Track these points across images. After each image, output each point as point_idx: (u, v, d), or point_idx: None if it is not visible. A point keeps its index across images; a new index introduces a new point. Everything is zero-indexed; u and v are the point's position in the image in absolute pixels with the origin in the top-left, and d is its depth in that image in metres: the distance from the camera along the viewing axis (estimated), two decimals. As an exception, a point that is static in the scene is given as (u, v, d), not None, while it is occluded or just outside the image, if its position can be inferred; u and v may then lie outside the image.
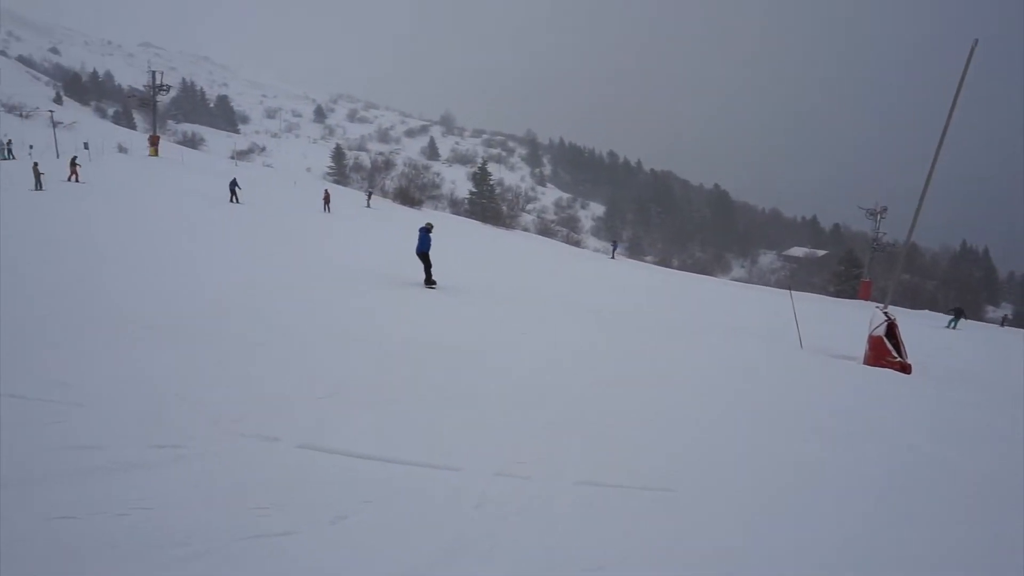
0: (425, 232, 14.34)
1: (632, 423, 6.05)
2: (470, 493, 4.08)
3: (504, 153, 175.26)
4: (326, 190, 39.22)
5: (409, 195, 62.44)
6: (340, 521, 3.52)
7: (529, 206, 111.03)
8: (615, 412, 6.35)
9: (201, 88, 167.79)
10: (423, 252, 14.15)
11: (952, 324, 31.00)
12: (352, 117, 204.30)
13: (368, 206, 44.19)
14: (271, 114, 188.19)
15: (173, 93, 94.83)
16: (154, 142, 51.30)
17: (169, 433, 4.36)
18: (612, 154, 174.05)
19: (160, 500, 3.47)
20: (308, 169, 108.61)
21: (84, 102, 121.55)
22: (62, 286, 8.54)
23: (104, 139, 56.61)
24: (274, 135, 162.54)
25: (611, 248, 52.80)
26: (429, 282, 14.05)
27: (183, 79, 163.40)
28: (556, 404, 6.33)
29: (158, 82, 53.41)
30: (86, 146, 43.17)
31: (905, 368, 11.85)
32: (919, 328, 23.23)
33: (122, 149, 57.95)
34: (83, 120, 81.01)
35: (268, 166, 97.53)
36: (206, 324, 7.56)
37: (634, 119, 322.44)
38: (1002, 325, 43.42)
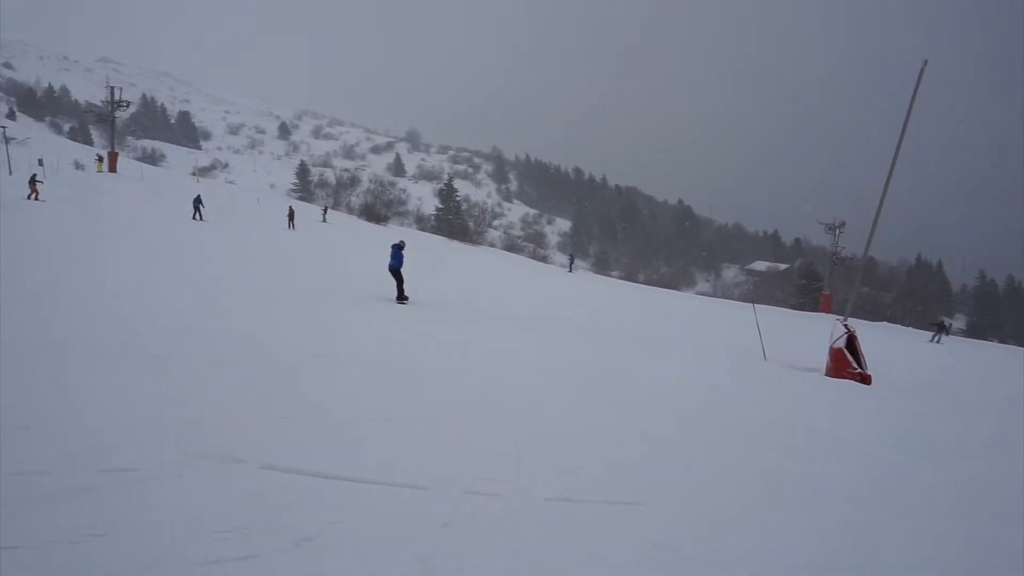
0: (398, 249, 14.50)
1: (599, 438, 6.05)
2: (438, 512, 4.01)
3: (470, 169, 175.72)
4: (290, 207, 38.80)
5: (375, 211, 62.05)
6: (305, 543, 3.42)
7: (496, 222, 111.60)
8: (582, 427, 6.34)
9: (162, 104, 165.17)
10: (395, 268, 14.29)
11: (936, 339, 31.72)
12: (317, 133, 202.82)
13: (324, 220, 44.36)
14: (234, 130, 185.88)
15: (132, 109, 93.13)
16: (112, 159, 50.19)
17: (124, 456, 4.20)
18: (578, 170, 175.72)
19: (113, 527, 3.33)
20: (272, 186, 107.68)
21: (39, 118, 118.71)
22: (13, 307, 8.25)
23: (60, 155, 55.16)
24: (237, 151, 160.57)
25: (568, 262, 53.44)
26: (401, 298, 14.15)
27: (143, 94, 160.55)
28: (523, 421, 6.29)
29: (116, 97, 52.39)
30: (40, 163, 41.97)
31: (865, 379, 12.11)
32: (902, 343, 23.82)
33: (78, 166, 56.56)
34: (37, 136, 78.86)
35: (231, 183, 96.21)
36: (165, 344, 7.37)
37: (600, 136, 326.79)
38: (947, 334, 44.51)
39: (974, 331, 73.60)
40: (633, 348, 12.94)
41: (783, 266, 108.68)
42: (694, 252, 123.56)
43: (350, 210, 75.51)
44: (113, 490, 3.74)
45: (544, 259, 70.96)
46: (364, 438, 5.20)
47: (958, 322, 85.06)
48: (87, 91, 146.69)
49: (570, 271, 49.17)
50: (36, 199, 26.14)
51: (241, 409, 5.47)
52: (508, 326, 13.33)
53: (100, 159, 49.88)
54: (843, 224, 50.95)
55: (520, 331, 12.80)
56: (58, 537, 3.16)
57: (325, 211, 49.02)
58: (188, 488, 3.90)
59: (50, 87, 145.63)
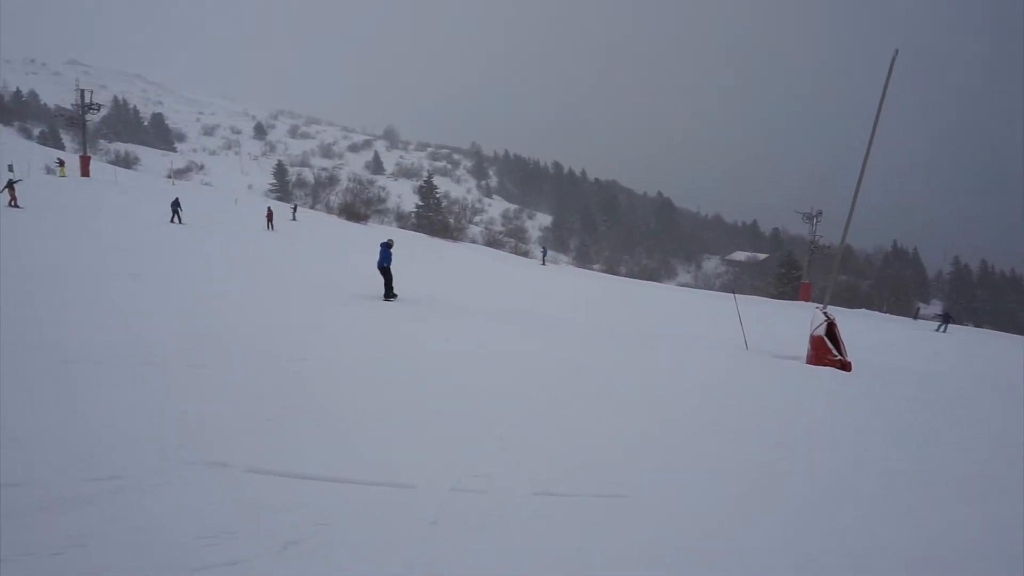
0: (386, 247, 14.92)
1: (583, 432, 6.08)
2: (425, 510, 4.02)
3: (450, 166, 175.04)
4: (269, 207, 38.52)
5: (354, 210, 61.74)
6: (292, 546, 3.41)
7: (476, 218, 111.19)
8: (565, 422, 6.37)
9: (134, 106, 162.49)
10: (384, 266, 14.70)
11: (942, 328, 32.21)
12: (294, 133, 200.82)
13: (293, 219, 44.04)
14: (209, 131, 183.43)
15: (104, 112, 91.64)
16: (84, 163, 49.34)
17: (106, 464, 4.16)
18: (557, 165, 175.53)
19: (97, 536, 3.30)
20: (249, 186, 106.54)
21: (7, 122, 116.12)
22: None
23: (30, 160, 54.19)
24: (212, 153, 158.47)
25: (541, 254, 53.82)
26: (389, 295, 14.58)
27: (115, 97, 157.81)
28: (508, 416, 6.31)
29: (87, 100, 51.54)
30: (11, 168, 41.16)
31: (845, 366, 12.28)
32: (880, 330, 24.13)
33: (49, 171, 55.56)
34: (6, 140, 77.40)
35: (207, 184, 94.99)
36: (146, 349, 7.28)
37: (578, 131, 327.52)
38: (914, 318, 45.23)
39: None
40: (616, 341, 13.00)
41: (762, 256, 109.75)
42: (675, 244, 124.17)
43: (329, 209, 75.03)
44: (96, 499, 3.70)
45: (526, 254, 70.93)
46: (349, 438, 5.19)
47: (934, 307, 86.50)
48: (56, 95, 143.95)
49: (543, 263, 49.58)
50: (15, 205, 25.06)
51: (224, 412, 5.43)
52: (491, 322, 13.33)
53: (61, 163, 47.80)
54: (820, 213, 51.50)
55: (503, 327, 12.80)
56: (39, 548, 3.13)
57: (295, 209, 49.38)
58: (172, 494, 3.87)
59: (18, 91, 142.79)
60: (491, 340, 10.94)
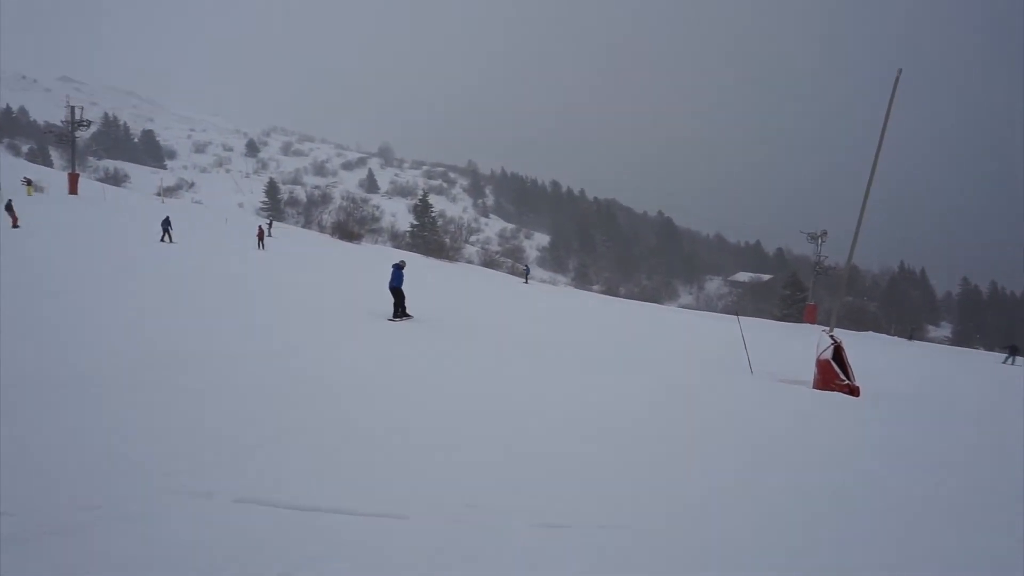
0: (398, 269, 15.62)
1: (582, 459, 6.04)
2: (420, 543, 3.97)
3: (445, 184, 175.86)
4: (260, 226, 38.56)
5: (348, 229, 61.82)
6: (282, 581, 3.37)
7: (472, 237, 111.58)
8: (564, 448, 6.33)
9: (125, 123, 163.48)
10: (396, 287, 15.34)
11: (1009, 360, 32.02)
12: (286, 150, 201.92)
13: (269, 235, 43.36)
14: (200, 148, 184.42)
15: (94, 128, 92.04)
16: (72, 180, 49.45)
17: (93, 494, 4.12)
18: (555, 183, 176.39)
19: (80, 570, 3.26)
20: (240, 205, 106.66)
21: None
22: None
23: (18, 178, 54.33)
24: (203, 170, 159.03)
25: (524, 272, 53.41)
26: (401, 315, 15.23)
27: (105, 113, 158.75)
28: (505, 444, 6.28)
29: (77, 116, 51.79)
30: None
31: (853, 390, 12.23)
32: (888, 353, 24.07)
33: (38, 188, 55.68)
34: (-7, 158, 77.61)
35: (197, 202, 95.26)
36: (131, 371, 7.24)
37: (577, 149, 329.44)
38: (909, 339, 44.94)
39: (960, 339, 74.80)
40: (619, 365, 12.97)
41: (766, 277, 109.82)
42: (676, 264, 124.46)
43: (322, 228, 75.19)
44: (77, 530, 3.65)
45: (525, 275, 71.06)
46: (338, 466, 5.15)
47: (943, 330, 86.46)
48: (46, 111, 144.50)
49: (525, 282, 49.37)
50: (15, 226, 24.64)
51: (212, 440, 5.39)
52: (491, 346, 13.31)
53: (29, 182, 43.95)
54: (825, 233, 51.36)
55: (503, 352, 12.78)
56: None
57: (270, 225, 47.37)
58: (159, 525, 3.83)
59: (8, 108, 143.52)
60: (490, 365, 10.90)
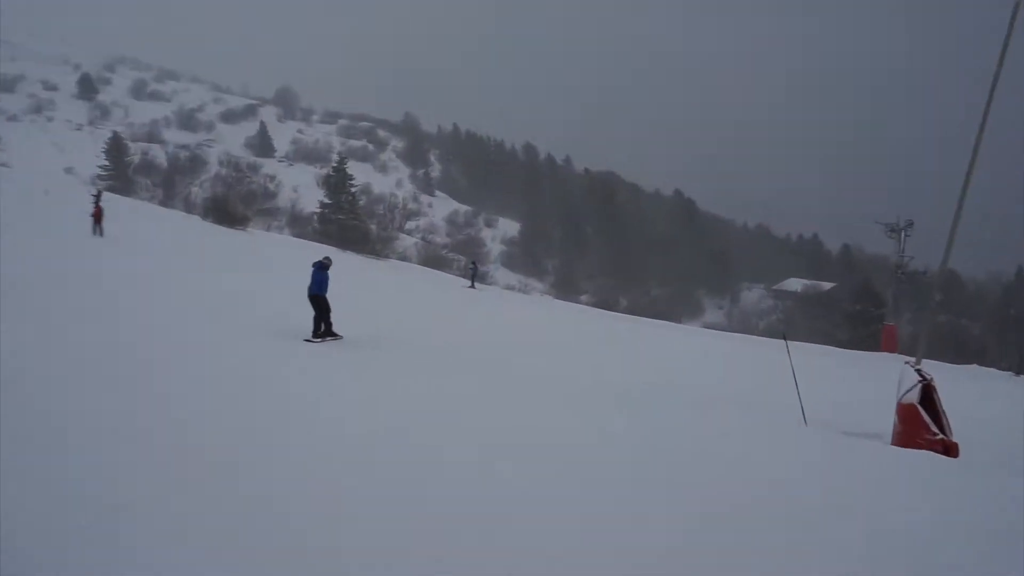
0: (321, 269, 15.75)
1: (583, 529, 6.21)
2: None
3: (372, 147, 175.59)
4: (97, 203, 37.87)
5: (229, 209, 60.91)
6: None
7: (411, 224, 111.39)
8: (559, 512, 6.56)
9: None
10: (318, 295, 15.46)
11: None
12: (138, 92, 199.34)
13: (97, 204, 42.59)
14: (7, 86, 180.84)
15: None
16: None
17: None
18: (530, 148, 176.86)
19: None
20: (69, 170, 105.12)
21: None
22: None
23: None
24: (11, 118, 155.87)
25: (469, 272, 52.42)
26: (324, 333, 15.47)
27: None
28: (484, 506, 6.39)
29: None
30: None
31: (949, 449, 12.24)
32: (1000, 396, 24.28)
33: None
34: None
35: (3, 166, 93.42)
36: None
37: (559, 102, 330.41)
38: (1017, 374, 45.60)
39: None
40: (620, 407, 12.92)
41: (827, 285, 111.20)
42: (700, 265, 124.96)
43: (190, 206, 74.22)
44: None
45: (483, 278, 71.07)
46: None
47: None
48: None
49: (472, 286, 48.57)
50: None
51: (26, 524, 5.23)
52: (465, 383, 13.30)
53: None
54: (911, 224, 49.52)
55: (477, 386, 12.80)
56: None
57: (99, 196, 46.26)
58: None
59: None
60: (453, 407, 10.84)
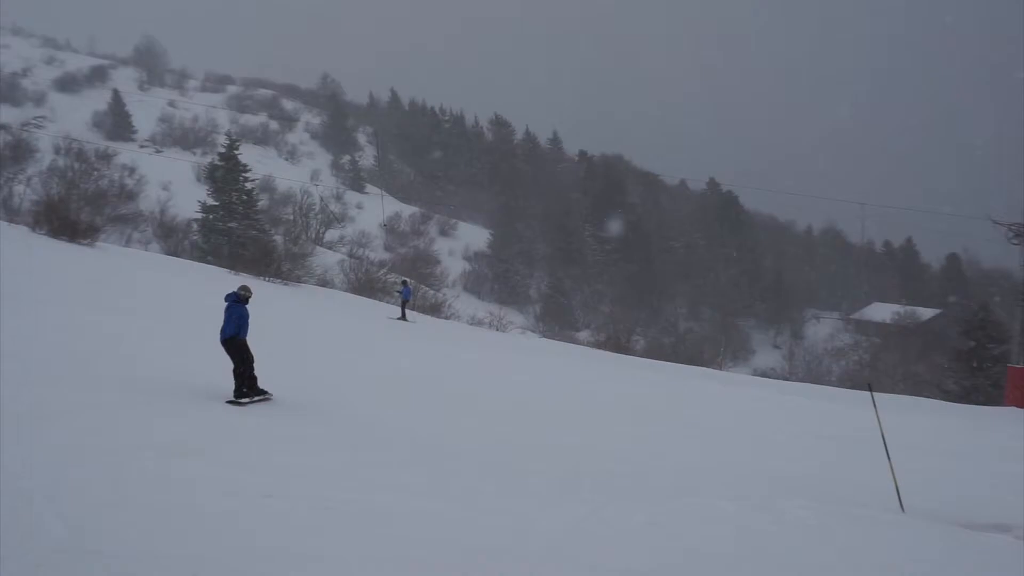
0: (237, 303, 15.98)
1: None
2: None
3: (275, 125, 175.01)
4: None
5: (70, 216, 60.57)
6: None
7: (332, 233, 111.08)
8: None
9: None
10: (234, 338, 15.59)
11: None
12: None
13: None
14: None
15: None
16: None
17: None
18: (499, 121, 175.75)
19: None
20: None
21: None
22: None
23: None
24: None
25: (399, 292, 52.31)
26: (248, 391, 15.54)
27: None
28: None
29: None
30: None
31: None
32: None
33: None
34: None
35: None
36: None
37: (539, 64, 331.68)
38: None
39: None
40: (639, 497, 13.02)
41: (928, 312, 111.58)
42: (746, 286, 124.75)
43: (13, 213, 73.76)
44: None
45: (439, 309, 71.01)
46: None
47: None
48: None
49: (402, 316, 48.09)
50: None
51: None
52: (461, 475, 13.39)
53: None
54: None
55: (449, 470, 12.89)
56: None
57: None
58: None
59: None
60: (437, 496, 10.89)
